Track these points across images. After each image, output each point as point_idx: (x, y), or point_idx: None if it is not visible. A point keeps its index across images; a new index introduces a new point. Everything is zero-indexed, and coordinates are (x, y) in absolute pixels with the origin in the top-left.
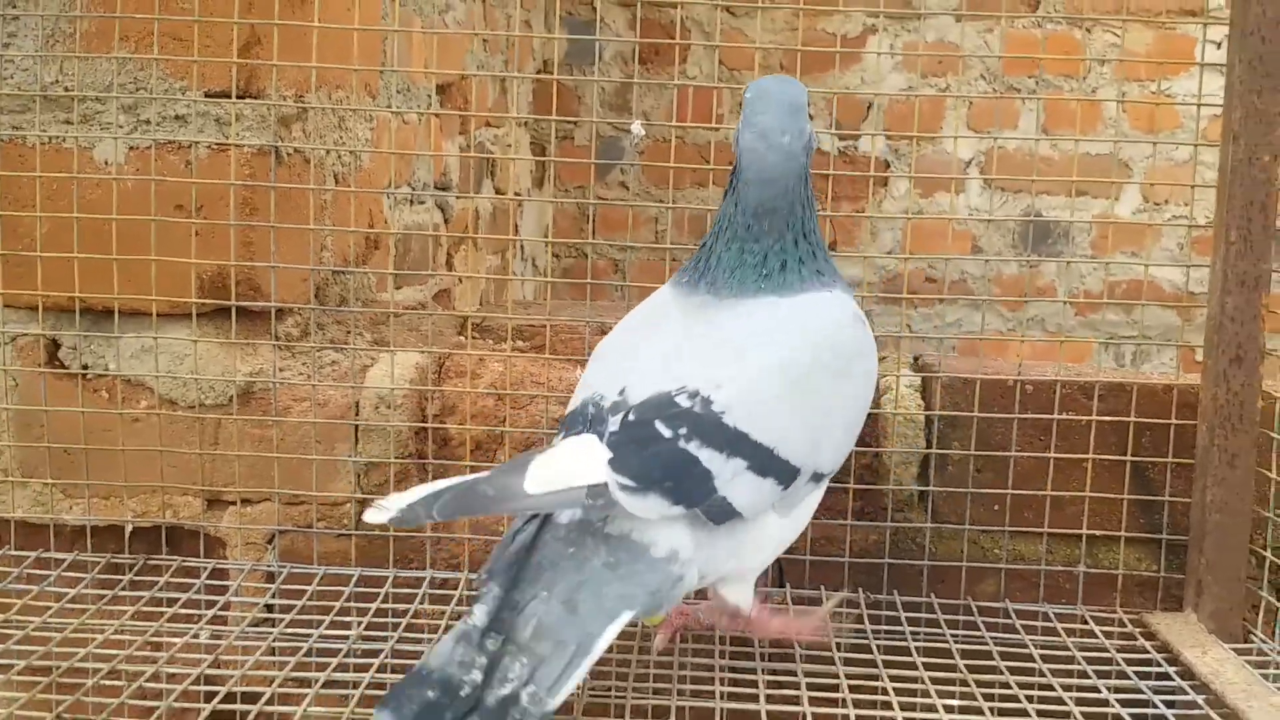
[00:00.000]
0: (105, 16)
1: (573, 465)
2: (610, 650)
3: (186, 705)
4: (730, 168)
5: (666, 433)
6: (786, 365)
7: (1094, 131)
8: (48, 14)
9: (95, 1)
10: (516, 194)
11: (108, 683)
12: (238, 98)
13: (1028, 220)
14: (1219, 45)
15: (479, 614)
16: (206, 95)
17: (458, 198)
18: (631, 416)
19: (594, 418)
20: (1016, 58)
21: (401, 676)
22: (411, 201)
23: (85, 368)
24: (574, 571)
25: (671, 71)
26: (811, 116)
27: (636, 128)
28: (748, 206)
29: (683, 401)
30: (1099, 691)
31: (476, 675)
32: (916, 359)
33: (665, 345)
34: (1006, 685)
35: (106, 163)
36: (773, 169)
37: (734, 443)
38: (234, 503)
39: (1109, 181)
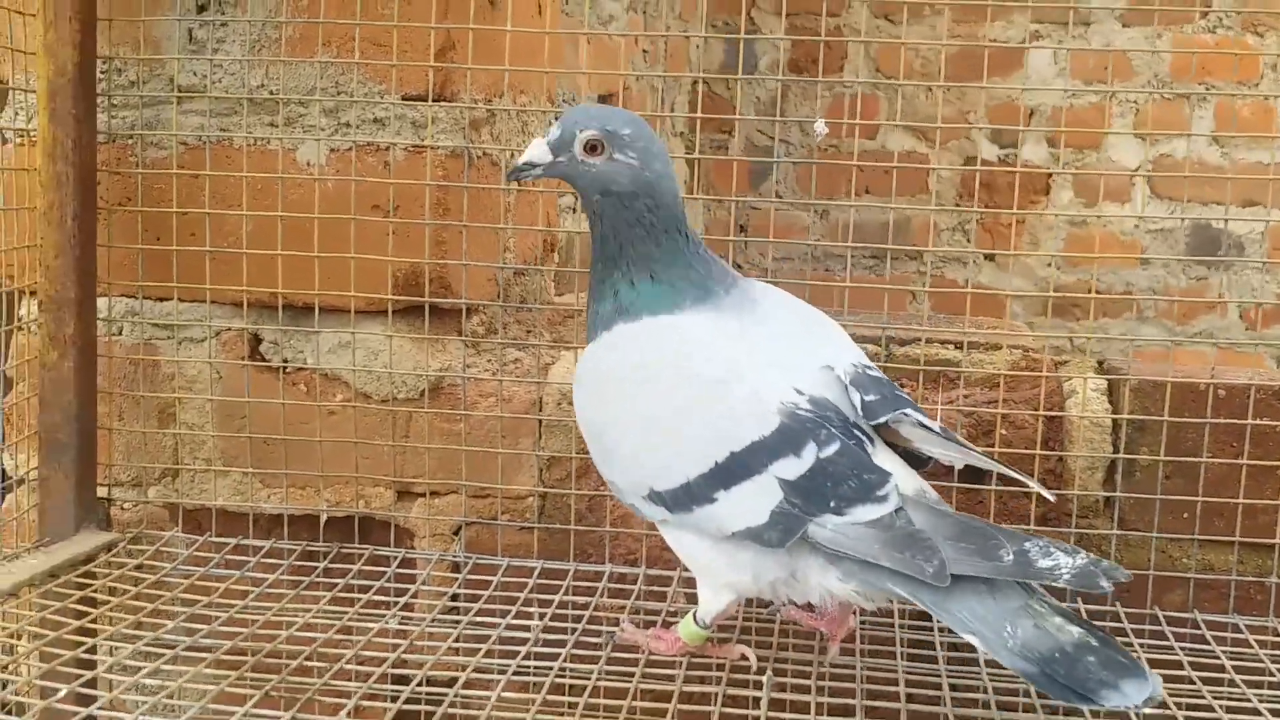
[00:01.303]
0: (308, 22)
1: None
2: None
3: (378, 689)
4: None
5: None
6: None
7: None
8: (254, 20)
9: (299, 8)
10: None
11: (306, 665)
12: (433, 101)
13: (1196, 234)
14: None
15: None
16: (404, 99)
17: None
18: (872, 396)
19: (830, 422)
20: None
21: None
22: (575, 210)
23: (285, 361)
24: None
25: (829, 80)
26: None
27: (820, 125)
28: (677, 227)
29: (875, 373)
30: None
31: None
32: (1101, 363)
33: (768, 347)
34: (1200, 697)
35: (309, 164)
36: (676, 182)
37: None
38: (423, 494)
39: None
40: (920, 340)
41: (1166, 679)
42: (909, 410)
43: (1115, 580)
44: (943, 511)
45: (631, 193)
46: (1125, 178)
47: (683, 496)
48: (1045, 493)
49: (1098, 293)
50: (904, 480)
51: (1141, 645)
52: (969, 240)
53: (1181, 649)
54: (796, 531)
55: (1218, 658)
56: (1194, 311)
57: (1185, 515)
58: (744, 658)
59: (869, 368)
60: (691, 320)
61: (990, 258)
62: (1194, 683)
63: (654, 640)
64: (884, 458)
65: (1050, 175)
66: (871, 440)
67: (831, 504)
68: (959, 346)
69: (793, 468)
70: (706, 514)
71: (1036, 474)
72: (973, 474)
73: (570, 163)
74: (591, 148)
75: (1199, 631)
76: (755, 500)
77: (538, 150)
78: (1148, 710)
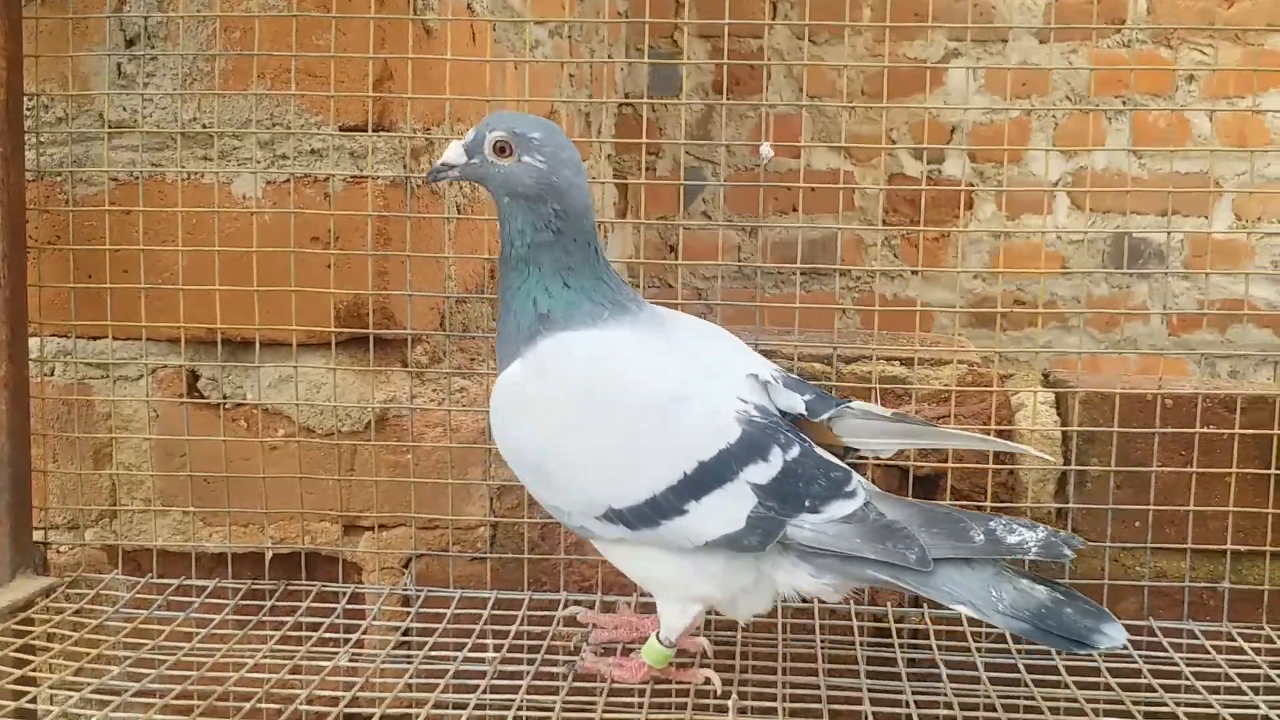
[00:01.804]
0: (242, 54)
1: None
2: None
3: None
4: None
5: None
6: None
7: (1183, 149)
8: (185, 53)
9: (232, 40)
10: (601, 224)
11: (257, 708)
12: (372, 130)
13: (1117, 243)
14: None
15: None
16: (341, 129)
17: None
18: (808, 395)
19: (782, 427)
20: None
21: None
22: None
23: (225, 398)
24: None
25: (754, 101)
26: None
27: (766, 149)
28: (586, 238)
29: (791, 373)
30: (1257, 709)
31: None
32: (1047, 375)
33: (695, 358)
34: (1162, 703)
35: (245, 197)
36: (589, 194)
37: None
38: (371, 528)
39: (1203, 191)
40: (869, 358)
41: (1126, 686)
42: (850, 404)
43: (1075, 548)
44: (906, 502)
45: (538, 195)
46: (1047, 191)
47: (647, 512)
48: (1035, 453)
49: (1021, 304)
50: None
51: (1099, 654)
52: (895, 255)
53: (1140, 656)
54: (776, 534)
55: (1176, 664)
56: (1116, 319)
57: (1137, 524)
58: (707, 681)
59: (789, 374)
60: (617, 335)
61: (916, 272)
62: (1155, 689)
63: (616, 669)
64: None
65: (973, 190)
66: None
67: (806, 503)
68: (905, 363)
69: (763, 472)
70: (676, 526)
71: (989, 488)
72: (926, 487)
73: (482, 164)
74: (500, 149)
75: (1155, 639)
76: (729, 507)
77: (454, 152)
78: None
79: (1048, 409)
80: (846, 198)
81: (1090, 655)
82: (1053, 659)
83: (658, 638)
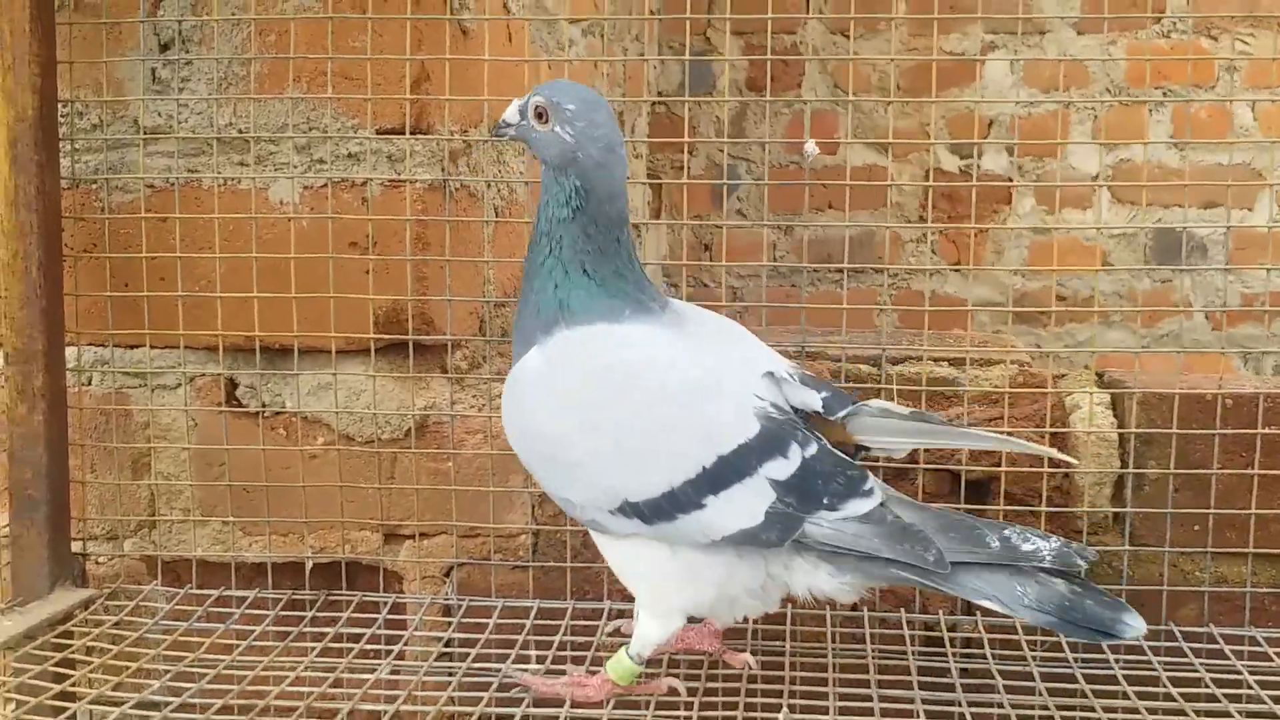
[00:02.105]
0: (278, 58)
1: None
2: None
3: None
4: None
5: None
6: None
7: (1223, 140)
8: (220, 57)
9: (267, 44)
10: (635, 226)
11: None
12: (410, 133)
13: (1159, 237)
14: None
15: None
16: (378, 133)
17: None
18: (825, 393)
19: (801, 424)
20: (1137, 59)
21: None
22: None
23: (264, 405)
24: None
25: (787, 98)
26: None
27: (811, 147)
28: (610, 224)
29: (808, 371)
30: None
31: None
32: (1101, 375)
33: (717, 355)
34: (1225, 712)
35: (282, 202)
36: (621, 183)
37: None
38: (411, 536)
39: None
40: (918, 358)
41: (1187, 696)
42: (867, 402)
43: (1088, 560)
44: (920, 506)
45: (560, 166)
46: (1087, 184)
47: (665, 505)
48: (1060, 455)
49: (1063, 299)
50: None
51: (1160, 662)
52: (934, 252)
53: (1201, 664)
54: (794, 530)
55: (1238, 672)
56: (1159, 314)
57: (1197, 528)
58: (673, 691)
59: (805, 371)
60: (639, 330)
61: (956, 269)
62: (1217, 699)
63: (576, 688)
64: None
65: (1011, 184)
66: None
67: (825, 501)
68: (954, 363)
69: (782, 468)
70: (693, 520)
71: (1044, 492)
72: (979, 492)
73: (525, 127)
74: (539, 114)
75: (1216, 646)
76: (749, 502)
77: (511, 111)
78: None
79: (1103, 410)
80: (884, 194)
81: (1150, 664)
82: (1111, 668)
83: (628, 653)
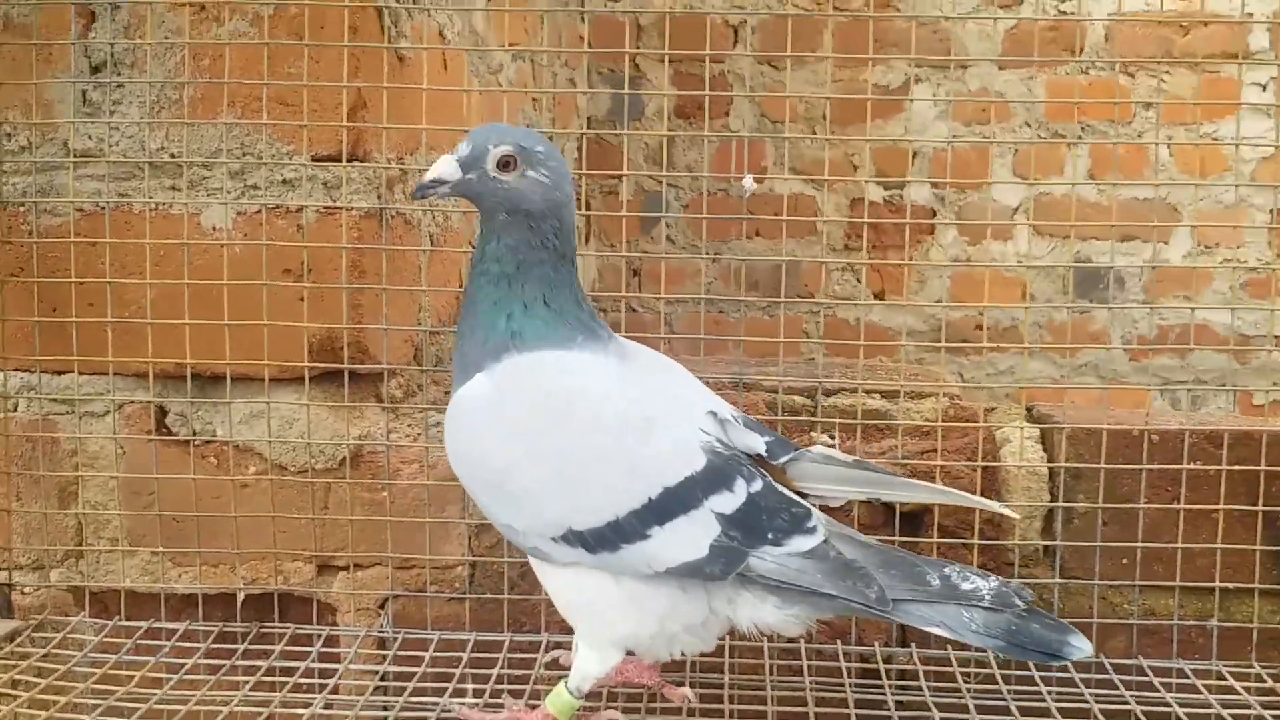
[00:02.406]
0: (213, 82)
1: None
2: None
3: None
4: None
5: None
6: None
7: (1140, 176)
8: (153, 81)
9: (200, 68)
10: None
11: None
12: (346, 160)
13: (1079, 265)
14: (1264, 87)
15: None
16: (314, 159)
17: None
18: (768, 437)
19: (735, 460)
20: (1059, 102)
21: None
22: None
23: (194, 434)
24: None
25: (714, 125)
26: None
27: (748, 181)
28: (571, 256)
29: (747, 415)
30: None
31: None
32: (1030, 409)
33: (660, 391)
34: None
35: (215, 228)
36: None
37: None
38: (345, 568)
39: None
40: (852, 390)
41: None
42: (810, 449)
43: (1025, 600)
44: (862, 541)
45: (541, 212)
46: (1008, 216)
47: (609, 534)
48: (999, 509)
49: (983, 328)
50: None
51: (1091, 694)
52: (859, 280)
53: (1131, 696)
54: (738, 564)
55: (1168, 704)
56: (1078, 345)
57: (1125, 561)
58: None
59: (746, 415)
60: (588, 358)
61: (880, 296)
62: None
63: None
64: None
65: (935, 215)
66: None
67: (769, 536)
68: (886, 396)
69: (728, 502)
70: (638, 550)
71: (976, 525)
72: (912, 524)
73: (481, 179)
74: (504, 164)
75: (1145, 678)
76: (694, 534)
77: (446, 167)
78: None
79: (1033, 444)
80: (809, 224)
81: (1081, 695)
82: (1044, 699)
83: (567, 686)
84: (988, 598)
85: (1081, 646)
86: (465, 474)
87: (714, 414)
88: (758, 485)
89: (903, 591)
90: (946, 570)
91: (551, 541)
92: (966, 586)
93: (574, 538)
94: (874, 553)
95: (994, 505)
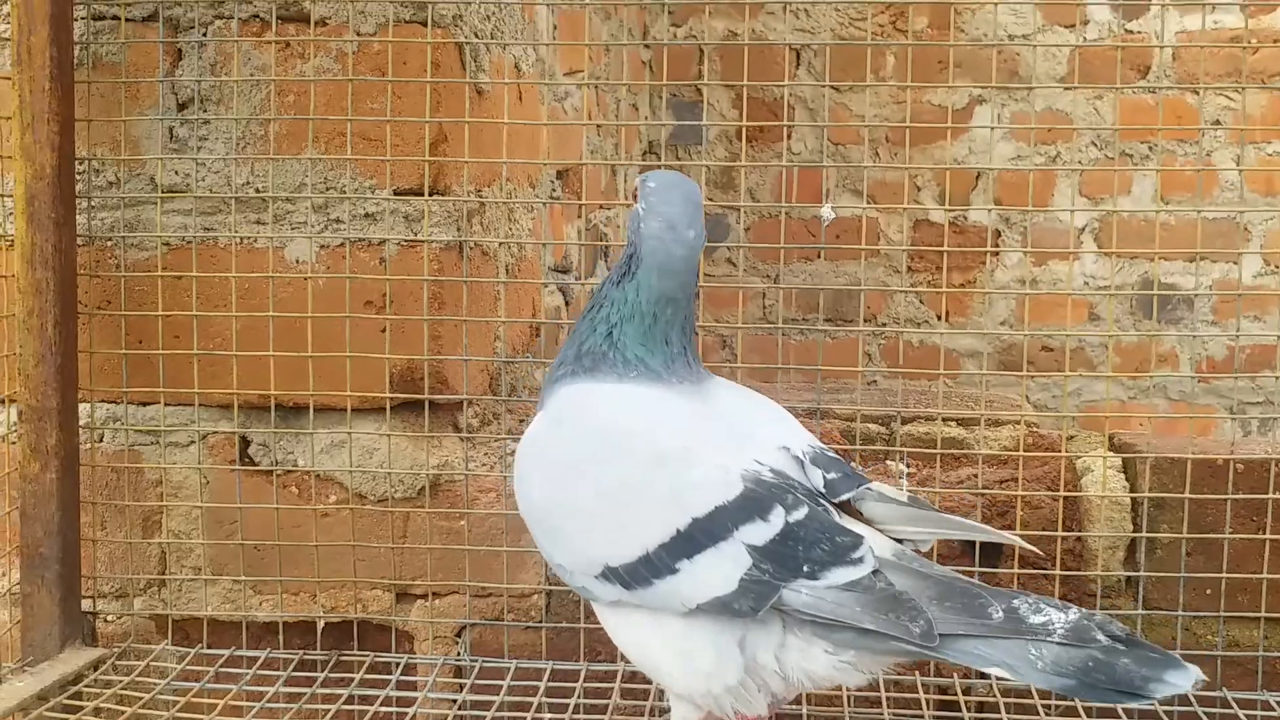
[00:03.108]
0: (298, 119)
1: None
2: None
3: None
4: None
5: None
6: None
7: (1211, 196)
8: (239, 117)
9: (287, 104)
10: None
11: None
12: (428, 194)
13: (1146, 290)
14: None
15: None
16: (396, 193)
17: (580, 282)
18: (834, 474)
19: (793, 489)
20: (1130, 128)
21: None
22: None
23: (276, 463)
24: None
25: (777, 149)
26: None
27: (827, 211)
28: (650, 295)
29: (830, 453)
30: None
31: None
32: (1112, 438)
33: (725, 426)
34: None
35: (299, 261)
36: (678, 261)
37: None
38: (423, 596)
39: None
40: (930, 418)
41: None
42: (870, 486)
43: (1110, 634)
44: (924, 572)
45: (629, 237)
46: (1073, 237)
47: (641, 570)
48: (1024, 545)
49: (1048, 350)
50: (878, 543)
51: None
52: (921, 302)
53: None
54: (770, 598)
55: None
56: (1146, 365)
57: (1209, 592)
58: None
59: (825, 449)
60: (639, 391)
61: (944, 318)
62: None
63: None
64: (853, 524)
65: (999, 237)
66: (837, 511)
67: (805, 568)
68: (962, 423)
69: (761, 533)
70: (670, 586)
71: (1057, 556)
72: (991, 554)
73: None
74: (634, 194)
75: (1230, 710)
76: (722, 568)
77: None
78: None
79: (1116, 474)
80: (871, 246)
81: None
82: None
83: None
84: (1060, 630)
85: (1177, 682)
86: (524, 514)
87: (786, 449)
88: (800, 514)
89: (957, 625)
90: (1015, 602)
91: (594, 579)
92: (1036, 619)
93: (612, 574)
94: (933, 583)
95: (1017, 540)
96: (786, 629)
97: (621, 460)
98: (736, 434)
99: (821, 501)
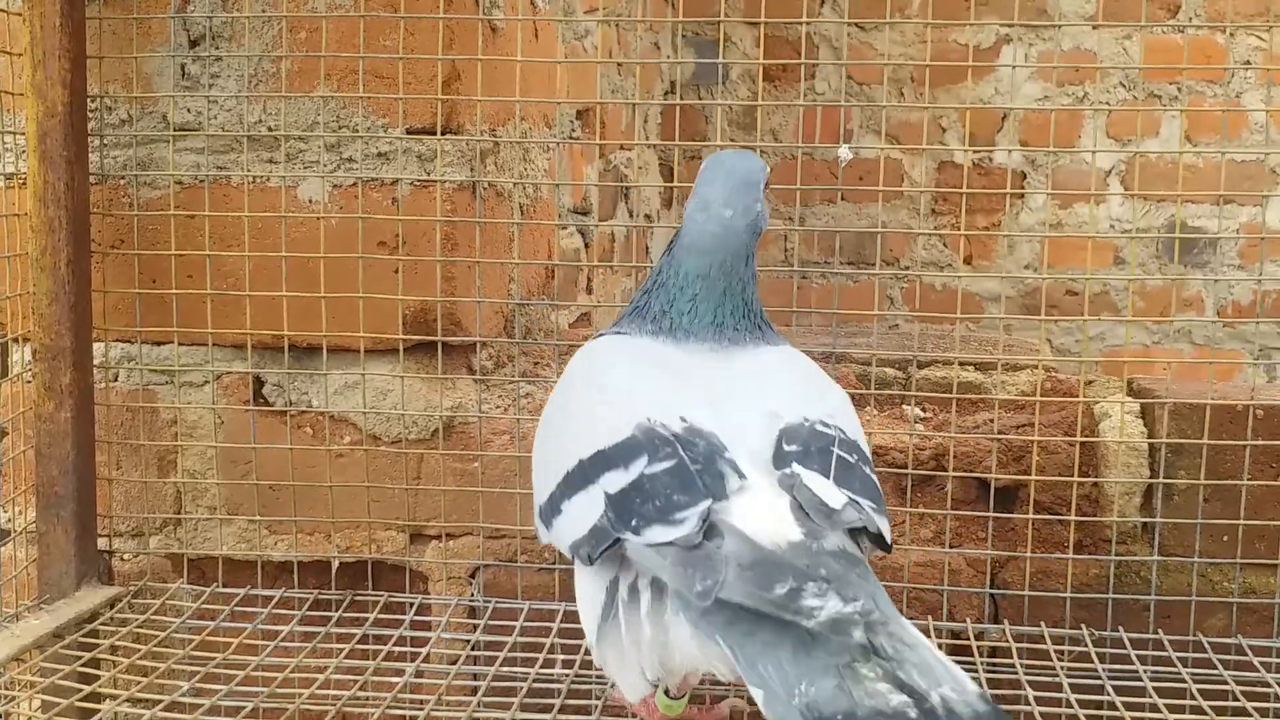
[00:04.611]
0: (310, 56)
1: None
2: None
3: None
4: None
5: (852, 458)
6: (846, 401)
7: (1239, 138)
8: (250, 55)
9: (298, 41)
10: (648, 216)
11: None
12: (441, 133)
13: (1171, 232)
14: None
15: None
16: (409, 132)
17: (597, 224)
18: (795, 446)
19: (687, 446)
20: (1156, 68)
21: None
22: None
23: (290, 404)
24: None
25: (799, 88)
26: (768, 196)
27: (845, 151)
28: (681, 271)
29: (830, 431)
30: None
31: None
32: (1131, 383)
33: (702, 384)
34: None
35: (311, 201)
36: (709, 240)
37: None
38: (437, 537)
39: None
40: (948, 362)
41: (1217, 707)
42: (799, 469)
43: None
44: (754, 543)
45: None
46: (1099, 179)
47: (548, 511)
48: None
49: (1072, 294)
50: (750, 515)
51: (1189, 673)
52: (945, 244)
53: (1230, 675)
54: (602, 546)
55: (1268, 684)
56: (1170, 309)
57: (1226, 539)
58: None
59: (820, 423)
60: (628, 343)
61: (967, 261)
62: (1248, 712)
63: (642, 706)
64: (747, 493)
65: (1025, 179)
66: (740, 477)
67: (634, 522)
68: (980, 368)
69: (618, 480)
70: (556, 530)
71: (1072, 501)
72: (1005, 499)
73: None
74: None
75: (1245, 657)
76: (586, 513)
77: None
78: None
79: (1133, 419)
80: (894, 187)
81: (1179, 675)
82: (1140, 678)
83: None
84: (821, 618)
85: None
86: None
87: (775, 414)
88: (661, 466)
89: (741, 594)
90: (809, 584)
91: (537, 519)
92: (810, 602)
93: (540, 514)
94: (755, 553)
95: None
96: (641, 581)
97: (559, 410)
98: (701, 394)
99: (720, 462)
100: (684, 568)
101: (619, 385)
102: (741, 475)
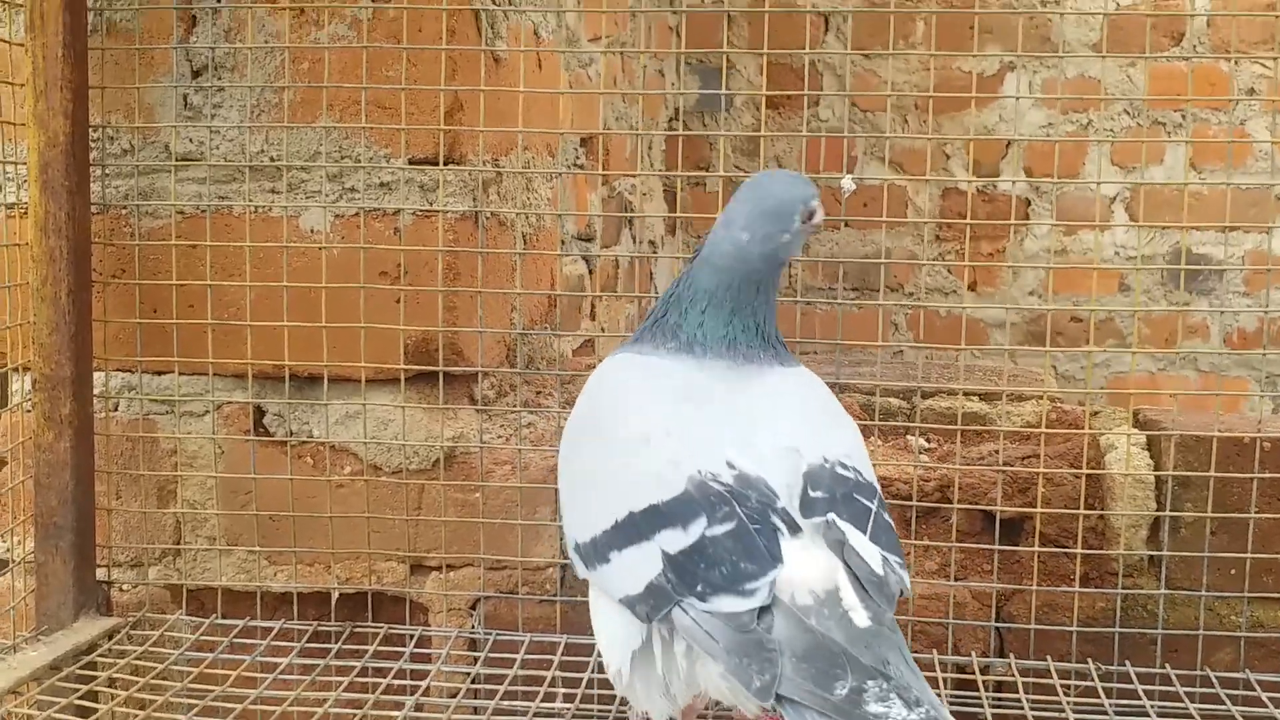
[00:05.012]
0: (312, 86)
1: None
2: None
3: None
4: None
5: (873, 504)
6: (857, 432)
7: (1244, 165)
8: (253, 85)
9: (300, 72)
10: (651, 243)
11: None
12: (443, 163)
13: (1176, 259)
14: None
15: None
16: (411, 162)
17: (600, 252)
18: (820, 493)
19: (741, 501)
20: (1161, 97)
21: None
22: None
23: (291, 434)
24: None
25: (803, 116)
26: (812, 227)
27: (848, 182)
28: (695, 285)
29: (849, 474)
30: None
31: None
32: (1137, 414)
33: (727, 413)
34: None
35: (313, 230)
36: (721, 259)
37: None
38: (438, 568)
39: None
40: (952, 392)
41: None
42: (835, 518)
43: None
44: (808, 624)
45: None
46: (1104, 206)
47: (591, 553)
48: None
49: (1077, 320)
50: (809, 577)
51: (1196, 708)
52: (949, 272)
53: (1238, 711)
54: (663, 609)
55: (1275, 719)
56: (1175, 337)
57: (1233, 572)
58: None
59: (840, 463)
60: (647, 364)
61: (972, 287)
62: None
63: None
64: (800, 552)
65: (1029, 206)
66: (794, 532)
67: (699, 588)
68: (984, 398)
69: (677, 541)
70: (603, 574)
71: (1079, 534)
72: (1011, 532)
73: None
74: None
75: (1253, 692)
76: (639, 568)
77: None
78: None
79: (1140, 451)
80: (898, 214)
81: (1186, 710)
82: (1146, 713)
83: None
84: None
85: None
86: None
87: (796, 450)
88: (722, 528)
89: (795, 689)
90: (869, 683)
91: (572, 552)
92: (875, 709)
93: (577, 549)
94: (807, 639)
95: None
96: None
97: (594, 442)
98: (733, 427)
99: (773, 517)
100: (740, 658)
101: (656, 422)
102: (795, 529)
